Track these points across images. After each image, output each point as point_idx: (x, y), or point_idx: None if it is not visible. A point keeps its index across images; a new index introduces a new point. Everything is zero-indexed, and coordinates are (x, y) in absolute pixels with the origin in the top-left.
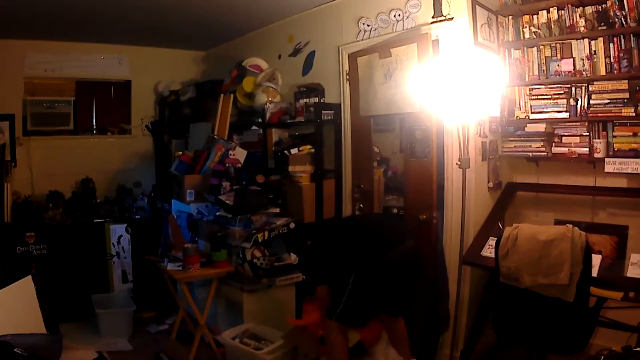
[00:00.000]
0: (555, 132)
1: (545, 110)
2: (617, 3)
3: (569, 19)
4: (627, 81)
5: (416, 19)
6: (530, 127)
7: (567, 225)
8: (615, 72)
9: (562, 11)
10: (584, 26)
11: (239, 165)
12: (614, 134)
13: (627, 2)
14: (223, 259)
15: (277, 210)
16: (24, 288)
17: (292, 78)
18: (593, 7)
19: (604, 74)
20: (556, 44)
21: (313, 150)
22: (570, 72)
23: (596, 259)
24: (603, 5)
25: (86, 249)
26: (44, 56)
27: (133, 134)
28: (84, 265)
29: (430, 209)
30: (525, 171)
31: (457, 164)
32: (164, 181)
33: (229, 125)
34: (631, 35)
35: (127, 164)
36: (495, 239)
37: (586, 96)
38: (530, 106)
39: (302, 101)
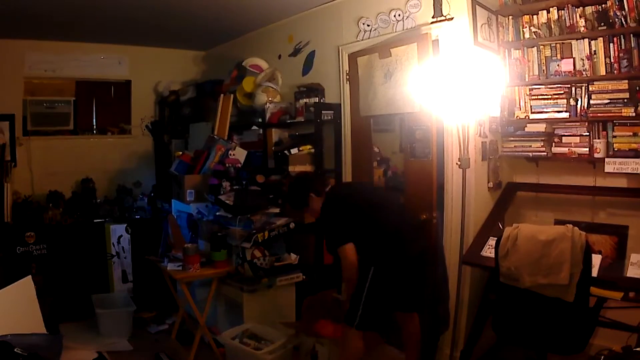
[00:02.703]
0: (555, 132)
1: (545, 110)
2: (617, 3)
3: (569, 19)
4: (627, 81)
5: (416, 19)
6: (530, 127)
7: (567, 225)
8: (615, 72)
9: (562, 11)
10: (584, 26)
11: (239, 165)
12: (614, 134)
13: (627, 2)
14: (223, 259)
15: (277, 210)
16: (24, 288)
17: (292, 78)
18: (593, 7)
19: (604, 74)
20: (556, 44)
21: (313, 150)
22: (570, 72)
23: (596, 259)
24: (603, 5)
25: (86, 249)
26: (44, 56)
27: (133, 134)
28: (84, 265)
29: (430, 209)
30: (525, 171)
31: (457, 164)
32: (164, 181)
33: (229, 125)
34: (631, 35)
35: (127, 164)
36: (495, 239)
37: (586, 96)
38: (530, 106)
39: (302, 101)
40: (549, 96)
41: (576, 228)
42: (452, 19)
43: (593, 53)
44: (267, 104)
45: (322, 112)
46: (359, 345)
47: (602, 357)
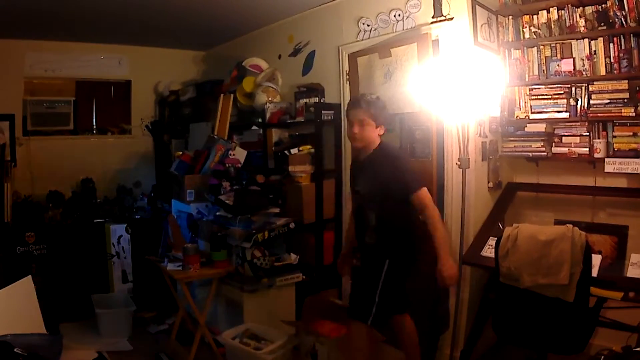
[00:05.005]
0: (555, 132)
1: (545, 110)
2: (617, 3)
3: (569, 19)
4: (627, 81)
5: (416, 19)
6: (530, 127)
7: (567, 225)
8: (615, 72)
9: (562, 11)
10: (584, 26)
11: (239, 165)
12: (614, 134)
13: (627, 2)
14: (223, 259)
15: (277, 210)
16: (24, 288)
17: (292, 78)
18: (593, 7)
19: (604, 74)
20: (556, 44)
21: (313, 150)
22: (570, 72)
23: (596, 259)
24: (603, 5)
25: (86, 249)
26: (44, 56)
27: (133, 134)
28: (84, 265)
29: None
30: (525, 171)
31: (457, 164)
32: (164, 181)
33: (229, 125)
34: (631, 35)
35: (127, 164)
36: (495, 239)
37: (586, 96)
38: (530, 106)
39: (302, 101)
40: (549, 96)
41: (576, 228)
42: (452, 19)
43: (593, 53)
44: (267, 104)
45: (322, 112)
46: (366, 341)
47: (602, 357)
